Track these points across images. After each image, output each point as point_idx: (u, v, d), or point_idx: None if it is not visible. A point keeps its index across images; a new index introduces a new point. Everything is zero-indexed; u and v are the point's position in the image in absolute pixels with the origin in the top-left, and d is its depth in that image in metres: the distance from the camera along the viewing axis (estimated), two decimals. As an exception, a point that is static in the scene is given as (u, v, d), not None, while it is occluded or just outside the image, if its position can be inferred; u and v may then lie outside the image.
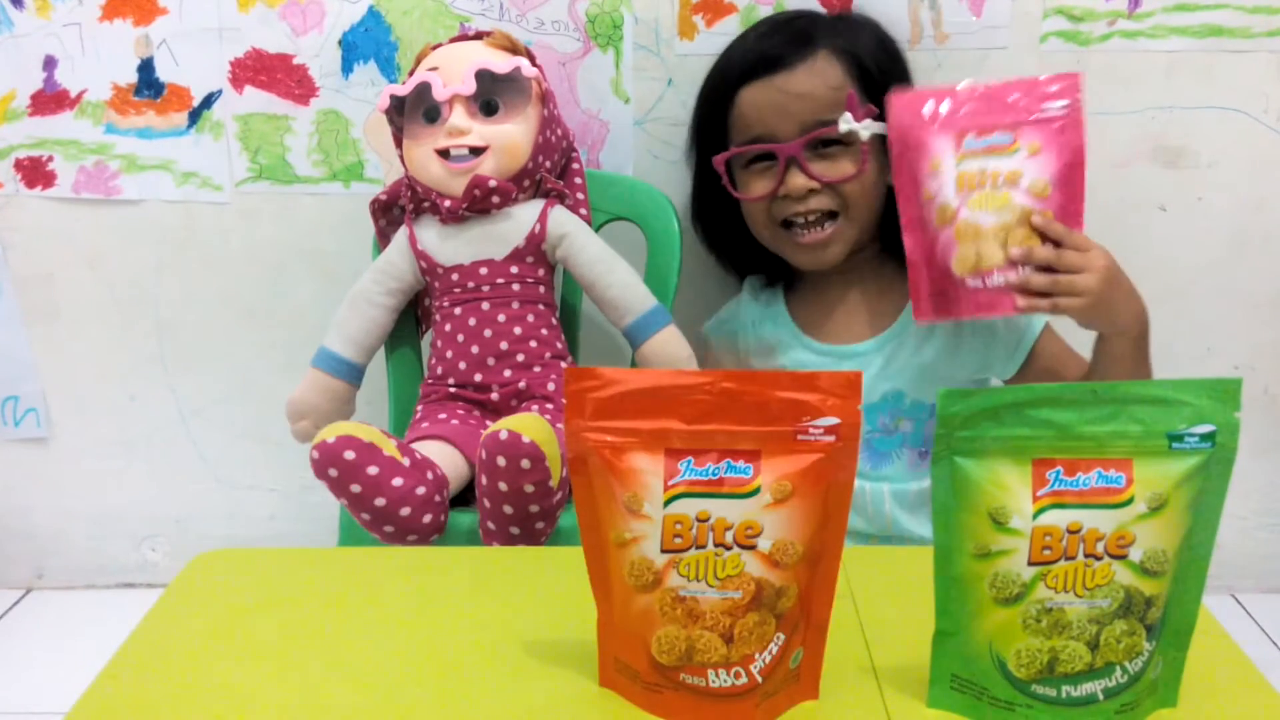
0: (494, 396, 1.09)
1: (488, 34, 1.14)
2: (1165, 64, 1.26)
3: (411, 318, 1.21)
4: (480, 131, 1.07)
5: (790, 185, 1.03)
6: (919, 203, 0.94)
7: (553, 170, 1.13)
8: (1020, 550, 0.54)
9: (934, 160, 0.93)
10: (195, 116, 1.32)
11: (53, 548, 1.52)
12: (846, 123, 1.01)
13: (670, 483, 0.55)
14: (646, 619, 0.56)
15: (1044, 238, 0.91)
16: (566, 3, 1.26)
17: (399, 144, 1.13)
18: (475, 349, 1.09)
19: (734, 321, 1.18)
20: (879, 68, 1.06)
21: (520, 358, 1.09)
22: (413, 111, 1.10)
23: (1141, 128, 1.28)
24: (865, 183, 1.04)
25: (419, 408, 1.12)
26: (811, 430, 0.54)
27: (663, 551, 0.55)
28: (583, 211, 1.15)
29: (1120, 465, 0.54)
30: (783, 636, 0.56)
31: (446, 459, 1.00)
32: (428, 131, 1.09)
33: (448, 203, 1.08)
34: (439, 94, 1.06)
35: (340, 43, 1.28)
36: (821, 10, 1.22)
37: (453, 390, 1.11)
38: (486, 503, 0.93)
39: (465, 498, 1.02)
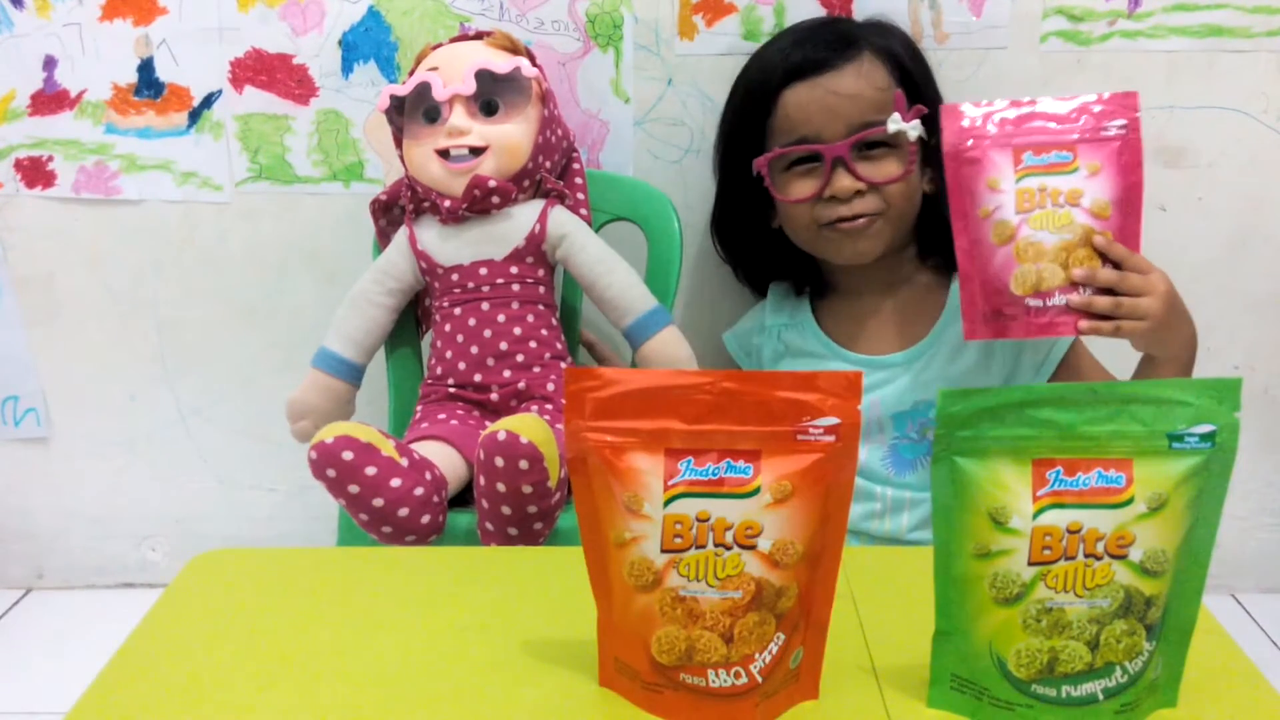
0: (493, 397, 1.09)
1: (488, 34, 1.14)
2: (1165, 64, 1.26)
3: (411, 318, 1.21)
4: (480, 131, 1.07)
5: (837, 186, 1.02)
6: (975, 218, 0.92)
7: (553, 170, 1.13)
8: (1020, 550, 0.54)
9: (992, 176, 0.91)
10: (195, 116, 1.32)
11: (53, 548, 1.52)
12: (895, 123, 1.01)
13: (670, 483, 0.55)
14: (646, 619, 0.56)
15: (1104, 259, 0.90)
16: (566, 3, 1.25)
17: (399, 144, 1.13)
18: (475, 349, 1.09)
19: (758, 330, 1.18)
20: (916, 71, 1.07)
21: (520, 358, 1.09)
22: (413, 111, 1.10)
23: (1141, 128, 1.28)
24: (909, 185, 1.04)
25: (418, 408, 1.12)
26: (811, 430, 0.54)
27: (663, 551, 0.55)
28: (583, 212, 1.15)
29: (1120, 465, 0.54)
30: (783, 636, 0.56)
31: (445, 459, 1.00)
32: (428, 131, 1.09)
33: (448, 203, 1.08)
34: (439, 94, 1.06)
35: (340, 43, 1.28)
36: (823, 12, 1.22)
37: (452, 390, 1.11)
38: (485, 503, 0.93)
39: (464, 498, 1.02)
